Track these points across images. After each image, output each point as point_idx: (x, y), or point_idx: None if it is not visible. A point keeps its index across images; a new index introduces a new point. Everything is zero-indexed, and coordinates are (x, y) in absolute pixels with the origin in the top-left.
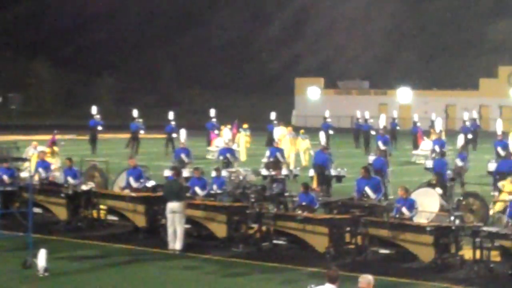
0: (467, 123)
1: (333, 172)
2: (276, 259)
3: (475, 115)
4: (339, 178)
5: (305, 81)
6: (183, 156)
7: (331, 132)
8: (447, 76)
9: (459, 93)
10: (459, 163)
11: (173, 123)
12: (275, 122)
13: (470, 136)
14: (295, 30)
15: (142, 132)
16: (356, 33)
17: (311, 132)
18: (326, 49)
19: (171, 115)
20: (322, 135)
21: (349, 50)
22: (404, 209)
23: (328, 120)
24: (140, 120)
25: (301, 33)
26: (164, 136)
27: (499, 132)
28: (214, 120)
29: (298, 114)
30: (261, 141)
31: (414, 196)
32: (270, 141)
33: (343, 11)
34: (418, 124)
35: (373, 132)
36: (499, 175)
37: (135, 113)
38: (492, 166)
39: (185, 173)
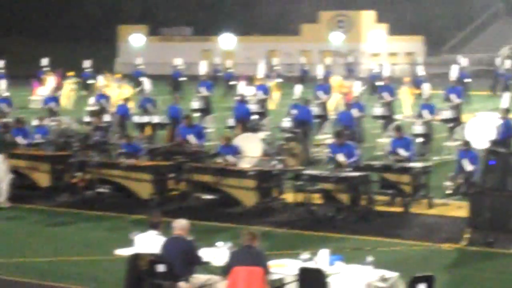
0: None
1: (156, 119)
2: (100, 207)
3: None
4: (162, 125)
5: (129, 28)
6: (3, 105)
7: (142, 79)
8: (269, 22)
9: (281, 39)
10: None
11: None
12: (90, 69)
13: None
14: None
15: None
16: None
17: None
18: None
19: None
20: (146, 83)
21: None
22: (228, 156)
23: (141, 67)
24: None
25: None
26: None
27: (319, 77)
28: (46, 69)
29: (122, 62)
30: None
31: (237, 140)
32: (85, 88)
33: None
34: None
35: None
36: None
37: None
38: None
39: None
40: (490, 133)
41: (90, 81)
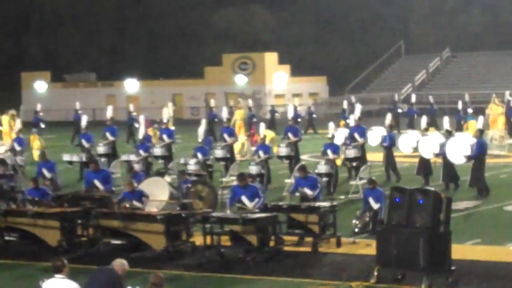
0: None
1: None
2: (8, 256)
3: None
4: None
5: (32, 75)
6: None
7: (42, 126)
8: (173, 66)
9: (186, 82)
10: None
11: None
12: None
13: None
14: (20, 23)
15: None
16: (80, 25)
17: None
18: (51, 42)
19: None
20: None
21: (74, 43)
22: (135, 202)
23: (41, 114)
24: None
25: (25, 26)
26: None
27: (224, 119)
28: None
29: (26, 109)
30: None
31: (144, 185)
32: None
33: (67, 4)
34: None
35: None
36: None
37: None
38: (219, 152)
39: None
40: (465, 150)
41: None
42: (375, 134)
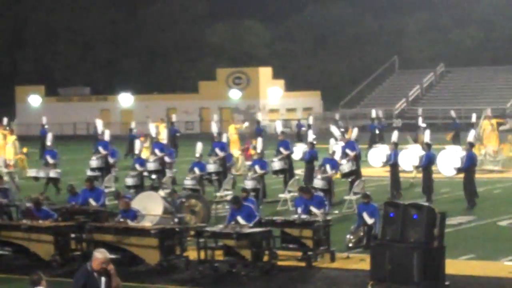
0: None
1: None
2: (1, 270)
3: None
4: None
5: (26, 89)
6: None
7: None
8: (167, 80)
9: (180, 97)
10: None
11: None
12: None
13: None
14: (14, 37)
15: None
16: (75, 40)
17: (34, 140)
18: (46, 56)
19: None
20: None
21: (69, 57)
22: (129, 221)
23: (46, 127)
24: None
25: (19, 40)
26: None
27: (215, 134)
28: None
29: (20, 123)
30: None
31: (137, 200)
32: None
33: (61, 18)
34: (135, 130)
35: None
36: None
37: None
38: (211, 167)
39: None
40: (456, 163)
41: None
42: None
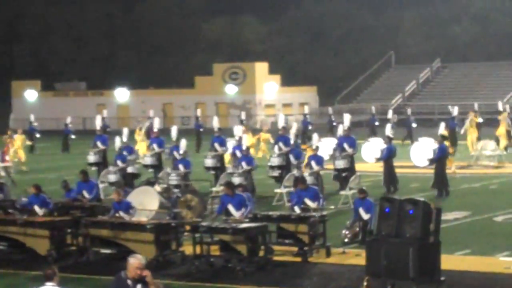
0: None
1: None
2: None
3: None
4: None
5: (22, 84)
6: None
7: (37, 135)
8: (163, 75)
9: (176, 92)
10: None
11: None
12: None
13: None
14: (10, 32)
15: None
16: (71, 34)
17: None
18: (42, 51)
19: None
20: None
21: (65, 52)
22: (121, 212)
23: (34, 124)
24: None
25: (16, 35)
26: None
27: (216, 129)
28: None
29: (16, 118)
30: None
31: (133, 194)
32: None
33: (57, 13)
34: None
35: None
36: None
37: None
38: (209, 161)
39: None
40: (428, 154)
41: None
42: (373, 147)
